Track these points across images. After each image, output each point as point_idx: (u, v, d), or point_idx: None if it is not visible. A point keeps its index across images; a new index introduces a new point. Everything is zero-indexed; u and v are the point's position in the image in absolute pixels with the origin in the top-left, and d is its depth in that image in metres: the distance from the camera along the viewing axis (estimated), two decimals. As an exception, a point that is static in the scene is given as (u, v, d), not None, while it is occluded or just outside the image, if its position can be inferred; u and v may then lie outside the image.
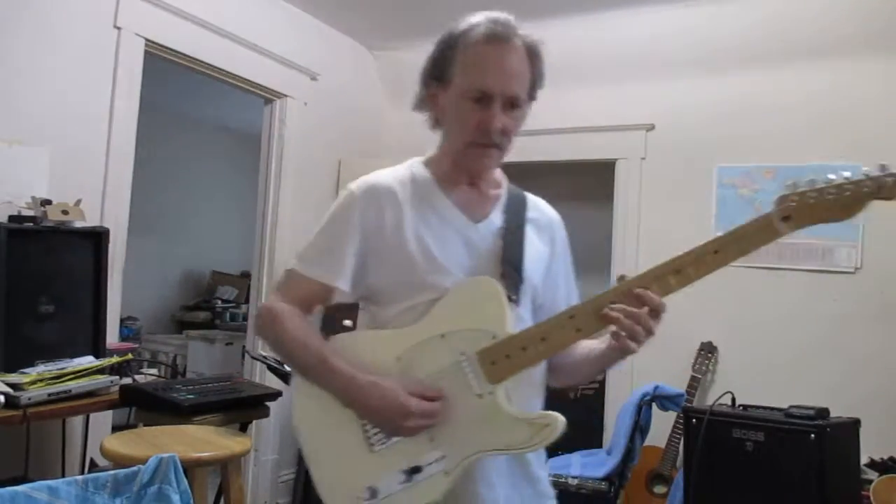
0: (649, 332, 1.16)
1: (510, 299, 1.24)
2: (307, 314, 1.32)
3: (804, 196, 1.09)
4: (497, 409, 1.19)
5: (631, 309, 1.15)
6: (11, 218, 2.45)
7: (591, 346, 1.31)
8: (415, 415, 1.17)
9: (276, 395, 2.67)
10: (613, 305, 1.16)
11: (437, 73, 1.29)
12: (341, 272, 1.28)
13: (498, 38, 1.24)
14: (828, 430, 2.43)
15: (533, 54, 1.28)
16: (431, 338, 1.23)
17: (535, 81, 1.30)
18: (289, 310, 1.29)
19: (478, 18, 1.27)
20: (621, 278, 1.19)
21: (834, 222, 1.10)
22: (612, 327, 1.18)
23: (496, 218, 1.34)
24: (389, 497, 1.20)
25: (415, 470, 1.19)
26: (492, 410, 1.19)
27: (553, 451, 3.43)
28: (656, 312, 1.16)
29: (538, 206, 1.43)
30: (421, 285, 1.26)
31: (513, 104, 1.26)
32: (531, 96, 1.31)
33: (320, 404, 1.26)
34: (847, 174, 1.08)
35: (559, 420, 1.17)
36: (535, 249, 1.35)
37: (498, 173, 1.40)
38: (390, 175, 1.34)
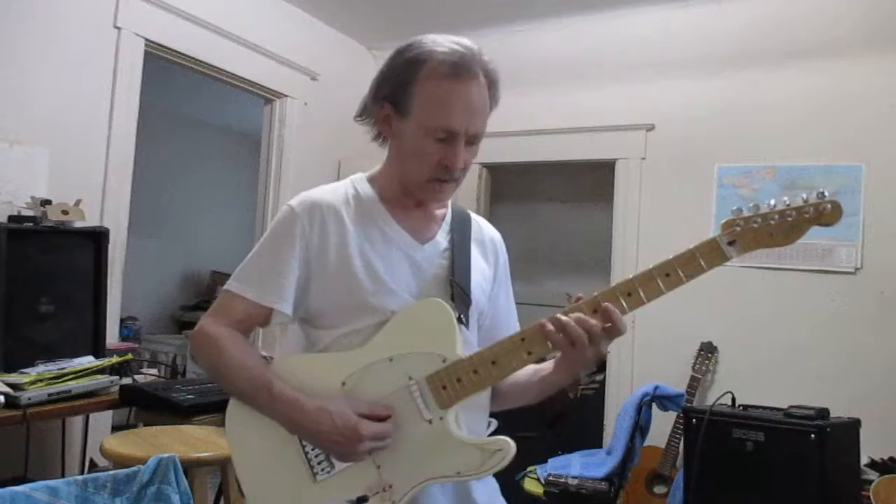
0: (598, 351, 1.12)
1: (460, 321, 1.21)
2: (245, 336, 1.26)
3: (748, 221, 1.12)
4: (447, 434, 1.15)
5: (587, 320, 1.11)
6: (11, 218, 2.45)
7: (535, 368, 1.27)
8: (366, 438, 1.12)
9: (276, 395, 2.66)
10: (570, 315, 1.12)
11: (394, 98, 1.22)
12: (281, 294, 1.22)
13: (462, 73, 1.19)
14: (828, 430, 2.43)
15: (492, 83, 1.24)
16: (378, 361, 1.18)
17: (491, 108, 1.26)
18: (227, 333, 1.22)
19: (440, 47, 1.20)
20: (577, 300, 1.16)
21: (776, 247, 1.13)
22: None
23: (442, 238, 1.30)
24: None
25: (361, 500, 1.15)
26: (442, 436, 1.15)
27: (553, 451, 3.46)
28: (613, 330, 1.12)
29: (481, 227, 1.40)
30: (365, 307, 1.21)
31: (473, 140, 1.23)
32: None
33: (258, 435, 1.21)
34: (787, 200, 1.11)
35: (511, 445, 1.14)
36: (480, 270, 1.32)
37: None
38: (333, 192, 1.28)
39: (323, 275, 1.23)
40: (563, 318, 1.12)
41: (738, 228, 1.13)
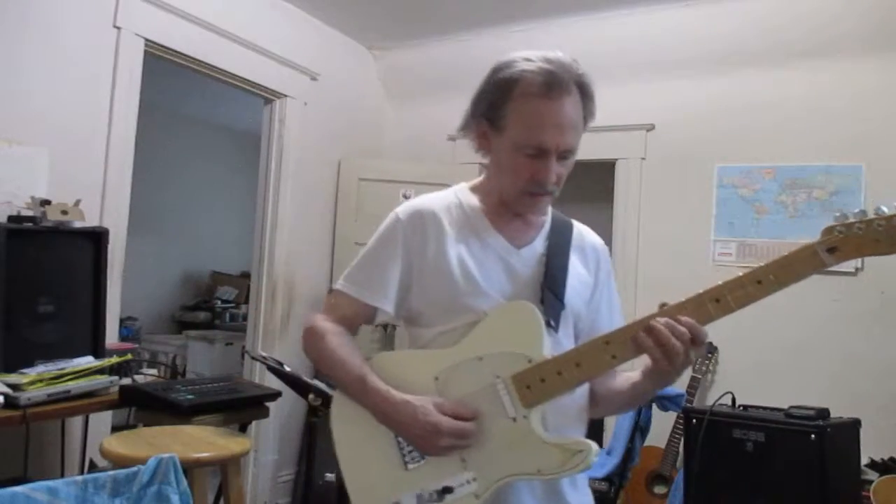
0: (686, 358, 1.13)
1: (549, 325, 1.25)
2: (351, 333, 1.37)
3: (851, 228, 1.07)
4: (530, 433, 1.19)
5: (666, 333, 1.12)
6: (11, 218, 2.45)
7: (628, 376, 1.32)
8: (446, 434, 1.19)
9: (275, 395, 2.67)
10: (658, 321, 1.13)
11: (490, 115, 1.29)
12: (385, 294, 1.33)
13: (553, 91, 1.23)
14: (828, 430, 2.43)
15: (586, 95, 1.28)
16: (469, 360, 1.24)
17: (587, 121, 1.31)
18: (332, 328, 1.34)
19: (531, 65, 1.24)
20: (662, 305, 1.16)
21: (881, 255, 1.07)
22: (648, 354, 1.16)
23: (539, 244, 1.36)
24: None
25: (446, 490, 1.21)
26: (524, 434, 1.19)
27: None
28: (696, 341, 1.13)
29: (583, 234, 1.45)
30: (460, 308, 1.28)
31: (566, 156, 1.28)
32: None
33: (358, 422, 1.29)
34: None
35: (593, 448, 1.16)
36: (578, 276, 1.37)
37: None
38: (436, 200, 1.38)
39: (423, 277, 1.32)
40: (654, 323, 1.13)
41: (841, 234, 1.07)
